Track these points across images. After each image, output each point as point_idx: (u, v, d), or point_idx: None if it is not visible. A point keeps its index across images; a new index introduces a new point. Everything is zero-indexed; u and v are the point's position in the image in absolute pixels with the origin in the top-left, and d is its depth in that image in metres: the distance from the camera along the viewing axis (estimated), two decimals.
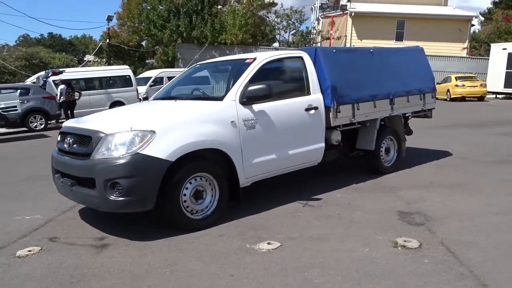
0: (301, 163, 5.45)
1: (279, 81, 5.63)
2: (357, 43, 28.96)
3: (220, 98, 4.75)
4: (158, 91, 6.00)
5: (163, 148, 4.06)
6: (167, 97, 5.53)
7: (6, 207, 5.54)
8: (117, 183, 3.95)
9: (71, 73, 17.65)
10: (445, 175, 6.41)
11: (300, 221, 4.59)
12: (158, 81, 23.64)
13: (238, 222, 4.57)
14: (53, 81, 17.18)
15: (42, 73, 17.62)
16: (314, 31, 31.25)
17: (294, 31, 30.57)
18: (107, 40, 27.93)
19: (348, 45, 29.08)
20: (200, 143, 4.31)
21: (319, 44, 29.64)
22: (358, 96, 5.90)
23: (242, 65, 5.13)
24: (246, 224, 4.52)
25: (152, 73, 24.42)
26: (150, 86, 22.97)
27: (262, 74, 5.12)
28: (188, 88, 5.66)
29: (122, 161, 3.96)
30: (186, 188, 4.28)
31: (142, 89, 22.86)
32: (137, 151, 3.98)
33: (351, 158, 6.62)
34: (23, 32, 71.97)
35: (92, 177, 4.05)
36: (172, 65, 27.98)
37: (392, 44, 29.03)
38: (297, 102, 5.27)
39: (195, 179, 4.35)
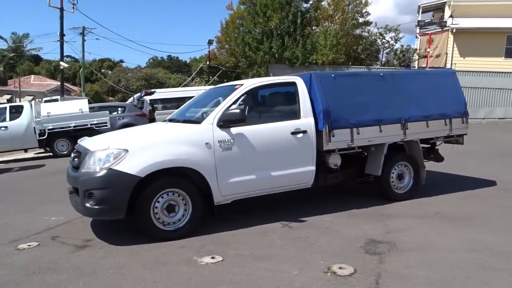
0: (288, 185, 5.60)
1: (267, 105, 5.89)
2: (459, 61, 27.01)
3: (199, 121, 5.19)
4: (173, 113, 6.62)
5: (134, 165, 4.62)
6: (170, 119, 6.11)
7: (44, 208, 6.59)
8: (92, 193, 4.60)
9: (161, 93, 19.50)
10: (461, 206, 5.98)
11: (264, 240, 4.78)
12: None
13: (207, 236, 4.91)
14: (150, 100, 19.24)
15: (139, 94, 19.75)
16: (410, 49, 29.97)
17: (388, 49, 29.71)
18: (207, 62, 30.12)
19: (448, 63, 27.35)
20: (170, 162, 4.79)
21: (415, 63, 28.33)
22: (358, 121, 5.86)
23: (230, 91, 5.51)
24: (213, 239, 4.84)
25: None
26: None
27: (249, 99, 5.45)
28: (189, 111, 6.18)
29: (97, 174, 4.61)
30: (158, 202, 4.77)
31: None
32: (110, 167, 4.59)
33: (360, 183, 6.52)
34: (153, 55, 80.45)
35: (77, 187, 4.77)
36: None
37: (500, 61, 26.61)
38: (282, 126, 5.47)
39: (167, 194, 4.82)
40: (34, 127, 13.59)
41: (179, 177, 4.91)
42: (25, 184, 9.26)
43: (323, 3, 29.79)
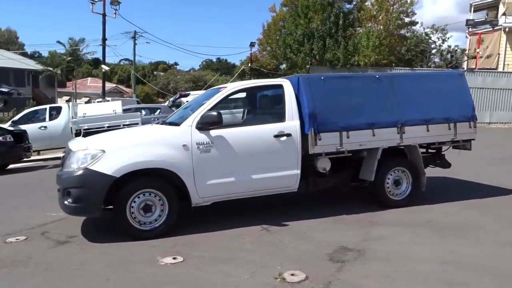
0: (272, 189, 5.55)
1: (251, 108, 5.86)
2: None
3: (179, 124, 5.27)
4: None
5: (110, 165, 4.78)
6: (162, 121, 6.24)
7: (51, 204, 6.91)
8: (70, 191, 4.81)
9: (195, 95, 19.87)
10: (458, 216, 5.66)
11: (235, 243, 4.77)
12: None
13: (182, 237, 4.97)
14: (186, 101, 19.71)
15: (174, 96, 20.28)
16: (458, 50, 28.56)
17: (434, 50, 28.49)
18: (249, 64, 30.38)
19: (501, 64, 25.83)
20: (146, 163, 4.91)
21: (464, 64, 27.00)
22: (348, 124, 5.71)
23: (214, 93, 5.56)
24: (187, 239, 4.90)
25: None
26: None
27: (232, 102, 5.46)
28: (180, 113, 6.26)
29: (75, 174, 4.81)
30: (134, 201, 4.90)
31: None
32: (87, 167, 4.78)
33: (355, 189, 6.34)
34: (204, 58, 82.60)
35: (59, 184, 5.01)
36: None
37: None
38: (265, 129, 5.44)
39: (144, 194, 4.94)
40: (71, 127, 14.32)
41: (156, 178, 5.02)
42: (49, 181, 9.78)
43: (366, 3, 29.14)
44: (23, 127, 13.98)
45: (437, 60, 28.75)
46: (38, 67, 40.62)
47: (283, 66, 31.68)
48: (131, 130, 6.06)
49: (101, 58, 21.85)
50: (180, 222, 5.26)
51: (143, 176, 4.94)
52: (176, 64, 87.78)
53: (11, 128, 13.50)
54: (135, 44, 42.52)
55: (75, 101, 37.77)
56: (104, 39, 20.38)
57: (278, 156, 5.42)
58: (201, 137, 5.11)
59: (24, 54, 53.82)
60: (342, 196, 6.72)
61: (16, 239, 5.12)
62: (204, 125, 5.10)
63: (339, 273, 3.86)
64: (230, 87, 5.56)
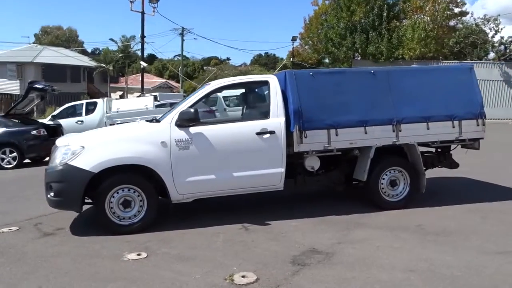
0: (255, 187, 5.46)
1: (235, 105, 5.76)
2: None
3: (159, 120, 5.31)
4: None
5: (88, 161, 4.90)
6: (153, 118, 6.28)
7: None
8: (51, 186, 4.99)
9: (232, 91, 20.01)
10: (455, 221, 5.28)
11: (207, 241, 4.73)
12: None
13: (158, 233, 4.99)
14: (223, 97, 19.91)
15: None
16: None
17: (487, 41, 26.67)
18: (291, 59, 30.10)
19: None
20: (124, 159, 4.98)
21: None
22: (337, 121, 5.49)
23: (199, 89, 5.54)
24: (162, 236, 4.93)
25: None
26: None
27: (213, 99, 5.41)
28: (170, 110, 6.28)
29: (56, 168, 4.99)
30: (113, 197, 5.00)
31: None
32: (67, 162, 4.93)
33: (348, 189, 6.11)
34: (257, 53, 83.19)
35: (45, 179, 5.20)
36: None
37: None
38: (247, 126, 5.35)
39: (123, 190, 5.03)
40: (105, 121, 14.91)
41: (135, 174, 5.08)
42: None
43: None
44: (62, 121, 14.72)
45: (488, 52, 26.92)
46: (93, 63, 42.59)
47: (326, 60, 31.07)
48: (115, 127, 6.17)
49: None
50: (167, 218, 5.34)
51: (122, 172, 5.02)
52: (228, 59, 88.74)
53: (49, 122, 14.26)
54: (182, 40, 43.55)
55: (127, 96, 39.32)
56: (142, 37, 21.00)
57: (260, 154, 5.32)
58: (180, 134, 5.11)
59: (84, 52, 56.76)
60: (341, 196, 6.49)
61: (9, 229, 5.39)
62: (182, 122, 5.10)
63: (293, 277, 3.74)
64: (215, 83, 5.52)
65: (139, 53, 47.84)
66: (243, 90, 6.18)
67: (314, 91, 5.54)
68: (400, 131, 5.70)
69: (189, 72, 61.56)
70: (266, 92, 5.51)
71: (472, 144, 6.14)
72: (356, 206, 5.90)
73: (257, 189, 5.51)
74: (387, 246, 4.46)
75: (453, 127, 5.88)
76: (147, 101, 15.36)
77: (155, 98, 16.05)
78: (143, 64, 22.86)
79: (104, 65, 40.60)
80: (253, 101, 5.84)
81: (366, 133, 5.59)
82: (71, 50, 47.17)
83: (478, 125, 5.98)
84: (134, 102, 15.72)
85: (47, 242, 4.87)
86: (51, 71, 40.07)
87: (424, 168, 6.36)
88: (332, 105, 5.55)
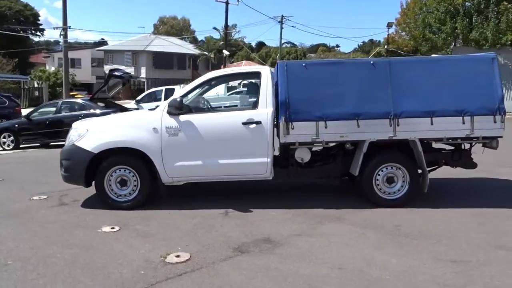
0: (241, 174, 5.64)
1: (225, 95, 5.92)
2: None
3: (155, 109, 5.74)
4: None
5: (90, 142, 5.55)
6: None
7: None
8: (62, 163, 5.75)
9: None
10: (442, 224, 4.89)
11: (179, 222, 5.06)
12: None
13: (146, 211, 5.44)
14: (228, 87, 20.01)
15: None
16: None
17: None
18: (385, 46, 28.68)
19: None
20: (120, 142, 5.54)
21: None
22: (326, 113, 5.40)
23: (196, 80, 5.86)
24: (147, 214, 5.36)
25: None
26: None
27: (208, 88, 5.71)
28: None
29: (66, 148, 5.74)
30: (112, 176, 5.60)
31: None
32: (74, 143, 5.64)
33: (344, 183, 5.98)
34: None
35: (60, 156, 5.98)
36: None
37: None
38: (233, 116, 5.54)
39: (120, 170, 5.60)
40: None
41: (130, 156, 5.60)
42: None
43: None
44: (143, 105, 16.15)
45: None
46: (197, 51, 45.24)
47: (421, 47, 29.05)
48: (119, 114, 6.75)
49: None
50: (164, 198, 5.86)
51: (119, 154, 5.59)
52: (337, 46, 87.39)
53: (132, 106, 15.75)
54: (281, 28, 44.00)
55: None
56: (226, 26, 21.80)
57: (246, 143, 5.48)
58: (170, 121, 5.50)
59: (195, 40, 60.41)
60: (342, 190, 6.36)
61: (39, 197, 6.33)
62: (171, 110, 5.47)
63: (222, 262, 3.92)
64: (209, 74, 5.79)
65: (246, 40, 49.87)
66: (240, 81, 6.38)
67: (305, 82, 5.51)
68: (398, 125, 5.40)
69: (291, 60, 61.85)
70: (258, 83, 5.62)
71: (489, 142, 5.57)
72: (350, 201, 5.76)
73: (244, 177, 5.69)
74: (341, 242, 4.37)
75: (463, 123, 5.39)
76: (218, 89, 16.06)
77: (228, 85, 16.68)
78: (225, 52, 23.77)
79: (206, 53, 42.91)
80: (245, 92, 5.99)
81: (358, 126, 5.41)
82: (179, 38, 50.37)
83: (495, 121, 5.39)
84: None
85: (56, 211, 5.64)
86: (160, 59, 43.54)
87: (435, 167, 5.98)
88: (323, 97, 5.46)
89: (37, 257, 4.04)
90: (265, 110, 5.47)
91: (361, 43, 67.87)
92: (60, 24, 23.38)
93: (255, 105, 5.57)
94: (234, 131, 5.47)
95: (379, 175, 5.57)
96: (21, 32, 52.99)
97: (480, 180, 7.06)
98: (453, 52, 25.54)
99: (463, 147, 5.90)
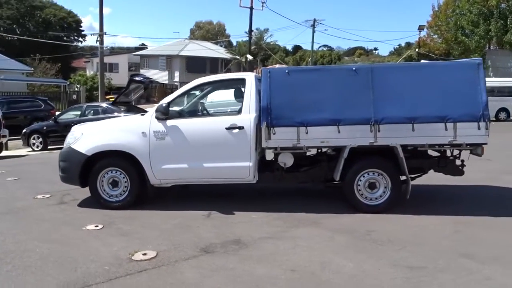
0: (225, 178, 5.82)
1: (213, 101, 6.11)
2: None
3: (144, 113, 6.02)
4: None
5: (85, 145, 5.89)
6: None
7: None
8: (60, 164, 6.13)
9: None
10: (415, 231, 4.90)
11: (161, 222, 5.29)
12: None
13: (135, 211, 5.73)
14: None
15: None
16: None
17: None
18: (416, 50, 28.06)
19: None
20: (111, 146, 5.85)
21: None
22: (307, 119, 5.50)
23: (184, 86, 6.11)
24: (135, 214, 5.64)
25: None
26: None
27: (194, 95, 5.94)
28: None
29: (63, 150, 6.11)
30: (104, 177, 5.93)
31: None
32: (70, 145, 6.01)
33: (327, 187, 6.04)
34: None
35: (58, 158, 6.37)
36: None
37: None
38: (218, 121, 5.75)
39: (112, 171, 5.92)
40: None
41: (121, 159, 5.90)
42: None
43: None
44: None
45: None
46: (228, 55, 45.81)
47: (453, 50, 28.23)
48: (113, 119, 7.07)
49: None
50: (153, 199, 6.16)
51: (111, 157, 5.90)
52: (375, 49, 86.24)
53: None
54: (313, 32, 44.03)
55: None
56: (250, 31, 22.07)
57: (230, 147, 5.65)
58: (158, 126, 5.76)
59: (230, 45, 61.27)
60: (332, 195, 6.41)
61: (43, 196, 6.74)
62: (158, 115, 5.73)
63: (184, 261, 4.11)
64: (197, 80, 6.01)
65: (281, 44, 50.00)
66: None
67: (287, 88, 5.63)
68: (379, 131, 5.43)
69: (325, 63, 61.43)
70: (243, 89, 5.79)
71: (474, 149, 5.50)
72: (334, 206, 5.81)
73: (227, 180, 5.87)
74: (306, 246, 4.47)
75: (446, 129, 5.35)
76: (215, 94, 16.27)
77: None
78: (249, 57, 24.05)
79: (238, 57, 43.37)
80: (231, 97, 6.16)
81: (339, 132, 5.48)
82: (212, 42, 51.13)
83: (479, 128, 5.32)
84: (227, 94, 16.81)
85: (53, 209, 6.02)
86: (193, 63, 44.40)
87: (420, 174, 5.97)
88: (304, 103, 5.56)
89: (18, 251, 4.37)
90: (248, 116, 5.64)
91: (397, 46, 66.48)
92: (104, 29, 24.35)
93: (239, 111, 5.74)
94: (218, 135, 5.67)
95: (360, 180, 5.61)
96: (64, 38, 55.65)
97: (478, 187, 6.96)
98: (486, 55, 24.73)
99: (450, 154, 5.84)
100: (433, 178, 6.18)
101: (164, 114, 5.65)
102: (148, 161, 5.75)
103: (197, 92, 6.18)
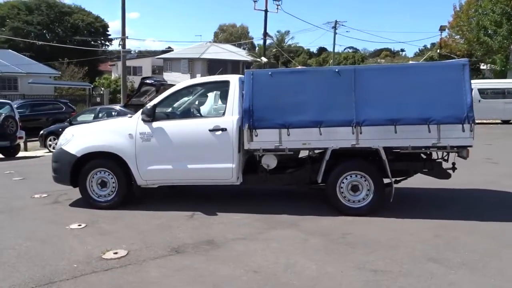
0: (209, 179, 5.88)
1: (198, 103, 6.17)
2: None
3: (132, 115, 6.15)
4: None
5: (75, 147, 6.06)
6: None
7: None
8: (52, 164, 6.32)
9: None
10: (393, 235, 4.82)
11: (142, 222, 5.39)
12: None
13: (121, 212, 5.84)
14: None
15: None
16: None
17: None
18: (437, 51, 27.43)
19: None
20: (99, 147, 5.99)
21: None
22: (288, 121, 5.50)
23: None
24: (118, 214, 5.70)
25: None
26: None
27: (179, 97, 6.03)
28: None
29: (55, 151, 6.31)
30: (93, 177, 6.08)
31: None
32: (61, 146, 6.19)
33: (311, 189, 6.02)
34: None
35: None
36: (504, 76, 24.45)
37: None
38: (201, 122, 5.81)
39: (100, 172, 6.07)
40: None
41: (109, 160, 6.04)
42: None
43: None
44: None
45: None
46: (249, 58, 45.96)
47: (475, 51, 27.49)
48: (103, 121, 7.22)
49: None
50: (141, 199, 6.27)
51: (100, 158, 6.05)
52: (402, 50, 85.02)
53: None
54: (335, 33, 43.80)
55: None
56: (265, 34, 22.13)
57: (213, 149, 5.71)
58: (144, 127, 5.86)
59: (253, 47, 61.43)
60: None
61: (40, 195, 6.96)
62: (143, 117, 5.84)
63: (153, 260, 4.19)
64: (183, 83, 6.10)
65: (304, 46, 49.81)
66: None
67: (270, 90, 5.65)
68: (361, 133, 5.38)
69: (348, 65, 60.86)
70: (227, 91, 5.84)
71: (459, 152, 5.38)
72: (320, 208, 5.77)
73: (211, 181, 5.94)
74: (277, 247, 4.47)
75: (429, 131, 5.25)
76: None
77: None
78: (263, 59, 24.07)
79: (259, 60, 43.45)
80: (216, 100, 6.22)
81: (320, 134, 5.45)
82: (232, 44, 51.40)
83: (463, 130, 5.20)
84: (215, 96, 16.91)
85: (46, 208, 6.21)
86: (215, 66, 44.57)
87: (405, 177, 5.89)
88: (286, 105, 5.56)
89: (0, 248, 4.54)
90: (231, 118, 5.68)
91: (423, 47, 65.24)
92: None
93: (223, 113, 5.79)
94: (201, 137, 5.73)
95: (343, 183, 5.57)
96: (92, 42, 57.12)
97: (475, 191, 6.77)
98: (510, 55, 24.01)
99: (436, 157, 5.73)
100: (432, 181, 6.00)
101: (149, 116, 5.76)
102: (134, 162, 5.87)
103: (183, 95, 6.26)
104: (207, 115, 5.98)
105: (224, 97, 5.88)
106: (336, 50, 68.70)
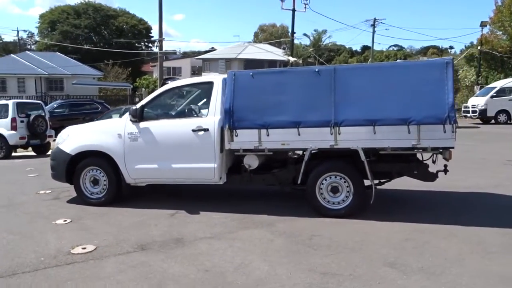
0: (193, 178, 5.99)
1: (184, 104, 6.26)
2: None
3: (121, 116, 6.35)
4: None
5: (69, 145, 6.36)
6: None
7: None
8: (50, 162, 6.65)
9: None
10: (362, 237, 4.73)
11: (124, 220, 5.56)
12: (506, 91, 21.15)
13: (110, 209, 6.07)
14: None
15: None
16: None
17: None
18: (478, 47, 26.13)
19: None
20: (90, 146, 6.26)
21: None
22: (267, 122, 5.50)
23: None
24: (105, 211, 5.93)
25: (500, 83, 22.03)
26: (492, 97, 20.95)
27: (166, 98, 6.18)
28: None
29: (53, 150, 6.64)
30: (86, 175, 6.35)
31: (479, 100, 21.38)
32: (58, 145, 6.51)
33: (293, 190, 5.98)
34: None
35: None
36: None
37: None
38: (185, 123, 5.92)
39: (93, 170, 6.33)
40: None
41: (100, 158, 6.28)
42: None
43: None
44: None
45: None
46: (285, 58, 45.85)
47: None
48: (97, 121, 7.47)
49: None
50: (134, 198, 6.47)
51: (92, 156, 6.31)
52: (451, 47, 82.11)
53: None
54: (374, 31, 42.83)
55: None
56: (292, 33, 21.97)
57: (195, 149, 5.82)
58: (132, 127, 6.06)
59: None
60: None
61: (44, 191, 7.34)
62: (131, 117, 6.03)
63: (116, 256, 4.33)
64: (170, 84, 6.24)
65: (346, 45, 49.09)
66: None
67: (251, 91, 5.67)
68: (339, 134, 5.30)
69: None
70: (211, 92, 5.92)
71: (442, 154, 5.19)
72: (300, 210, 5.74)
73: (195, 180, 6.05)
74: (240, 247, 4.51)
75: (409, 132, 5.10)
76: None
77: None
78: (291, 59, 23.93)
79: (295, 59, 43.28)
80: (200, 100, 6.31)
81: (299, 134, 5.42)
82: (268, 43, 51.35)
83: (445, 131, 5.01)
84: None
85: (44, 204, 6.54)
86: (251, 66, 44.84)
87: (388, 179, 5.75)
88: (266, 105, 5.56)
89: None
90: (213, 118, 5.76)
91: (469, 44, 62.53)
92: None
93: (207, 113, 5.88)
94: (185, 137, 5.85)
95: (323, 184, 5.51)
96: (136, 44, 59.02)
97: (471, 194, 6.52)
98: None
99: (420, 158, 5.55)
100: (423, 183, 5.82)
101: (135, 117, 5.94)
102: (123, 161, 6.08)
103: (170, 95, 6.40)
104: (191, 116, 6.08)
105: (208, 97, 5.96)
106: (379, 48, 67.28)
